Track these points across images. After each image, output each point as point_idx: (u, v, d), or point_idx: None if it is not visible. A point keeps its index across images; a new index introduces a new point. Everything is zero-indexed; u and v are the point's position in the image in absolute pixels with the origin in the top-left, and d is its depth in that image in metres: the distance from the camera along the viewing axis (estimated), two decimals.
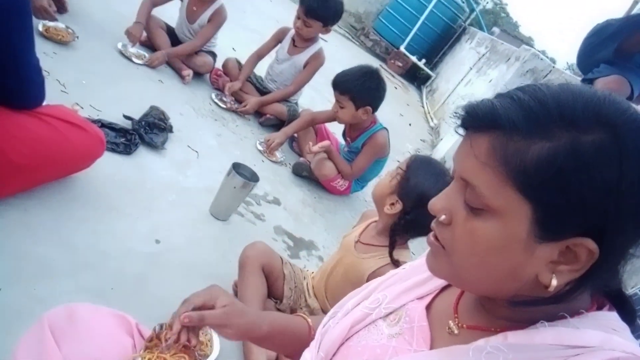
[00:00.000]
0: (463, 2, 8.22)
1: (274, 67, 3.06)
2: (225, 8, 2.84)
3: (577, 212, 0.52)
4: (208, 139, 2.45)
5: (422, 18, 7.69)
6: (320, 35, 2.92)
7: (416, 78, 7.89)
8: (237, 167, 1.90)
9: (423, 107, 6.72)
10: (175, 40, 2.89)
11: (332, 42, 5.85)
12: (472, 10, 8.36)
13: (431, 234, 0.64)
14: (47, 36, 2.26)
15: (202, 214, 1.93)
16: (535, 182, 0.52)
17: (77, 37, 2.37)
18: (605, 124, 0.51)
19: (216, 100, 2.82)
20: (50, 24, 2.29)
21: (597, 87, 2.79)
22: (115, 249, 1.51)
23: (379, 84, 2.48)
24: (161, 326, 0.92)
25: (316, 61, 2.93)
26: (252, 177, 1.93)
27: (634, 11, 3.99)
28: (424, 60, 7.83)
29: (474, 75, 5.92)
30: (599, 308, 0.65)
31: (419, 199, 1.34)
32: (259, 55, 3.03)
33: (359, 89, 2.42)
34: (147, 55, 2.69)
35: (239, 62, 3.06)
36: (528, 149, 0.52)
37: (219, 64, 3.05)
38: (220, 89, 2.94)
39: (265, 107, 2.95)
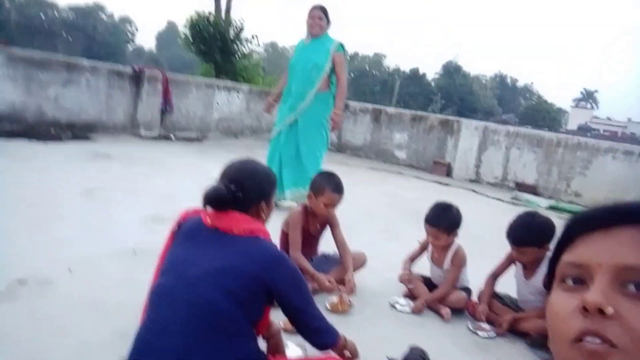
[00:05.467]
0: None
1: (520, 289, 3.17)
2: (462, 249, 3.23)
3: None
4: None
5: None
6: None
7: None
8: None
9: None
10: (431, 284, 3.34)
11: None
12: None
13: (588, 339, 0.59)
14: (331, 310, 2.98)
15: None
16: None
17: (353, 306, 3.06)
18: None
19: (472, 329, 3.00)
20: (334, 299, 3.04)
21: None
22: None
23: None
24: None
25: None
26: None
27: None
28: None
29: None
30: None
31: None
32: (495, 276, 3.21)
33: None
34: (411, 304, 3.18)
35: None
36: None
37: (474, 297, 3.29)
38: (475, 317, 3.12)
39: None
